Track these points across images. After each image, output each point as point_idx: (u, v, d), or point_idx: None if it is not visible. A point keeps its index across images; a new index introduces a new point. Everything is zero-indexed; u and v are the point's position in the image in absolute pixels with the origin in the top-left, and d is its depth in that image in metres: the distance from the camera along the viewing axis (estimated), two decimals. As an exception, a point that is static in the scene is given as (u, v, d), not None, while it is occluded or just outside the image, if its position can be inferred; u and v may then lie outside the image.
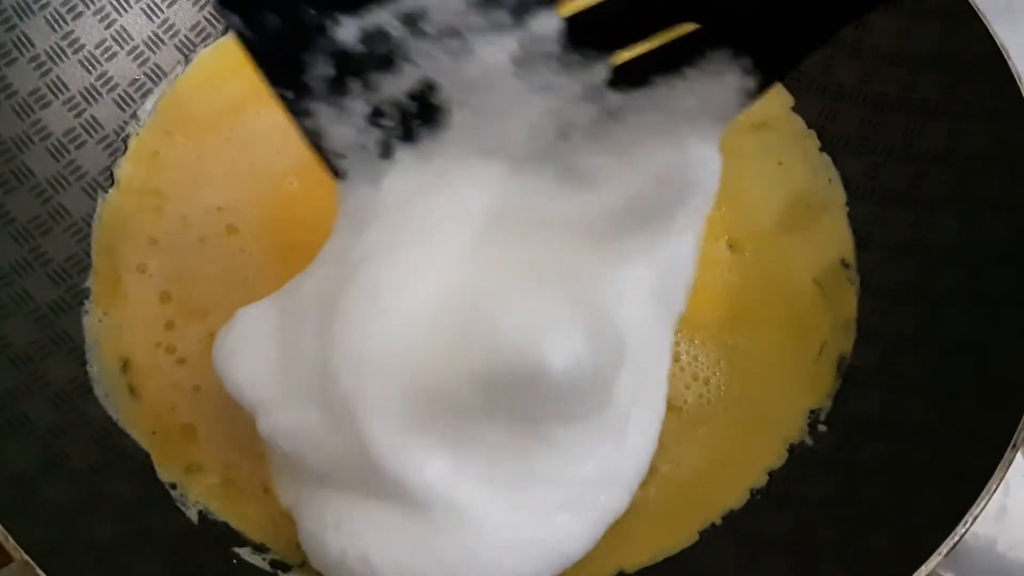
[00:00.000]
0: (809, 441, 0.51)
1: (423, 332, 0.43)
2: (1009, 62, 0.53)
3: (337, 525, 0.45)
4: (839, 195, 0.57)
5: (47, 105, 0.55)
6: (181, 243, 0.56)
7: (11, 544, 0.42)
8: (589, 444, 0.44)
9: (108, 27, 0.58)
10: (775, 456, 0.51)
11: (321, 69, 0.42)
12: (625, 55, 0.41)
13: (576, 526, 0.45)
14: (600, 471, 0.45)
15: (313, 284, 0.47)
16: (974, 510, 0.43)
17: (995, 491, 0.44)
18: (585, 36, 0.40)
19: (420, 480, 0.42)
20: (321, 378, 0.44)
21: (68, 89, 0.56)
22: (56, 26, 0.56)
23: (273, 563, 0.49)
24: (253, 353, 0.46)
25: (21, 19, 0.55)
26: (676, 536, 0.49)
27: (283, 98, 0.44)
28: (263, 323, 0.46)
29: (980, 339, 0.50)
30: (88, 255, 0.55)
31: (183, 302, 0.54)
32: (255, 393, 0.45)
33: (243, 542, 0.49)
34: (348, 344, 0.43)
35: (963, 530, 0.43)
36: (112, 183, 0.57)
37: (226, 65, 0.61)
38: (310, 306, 0.46)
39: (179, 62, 0.60)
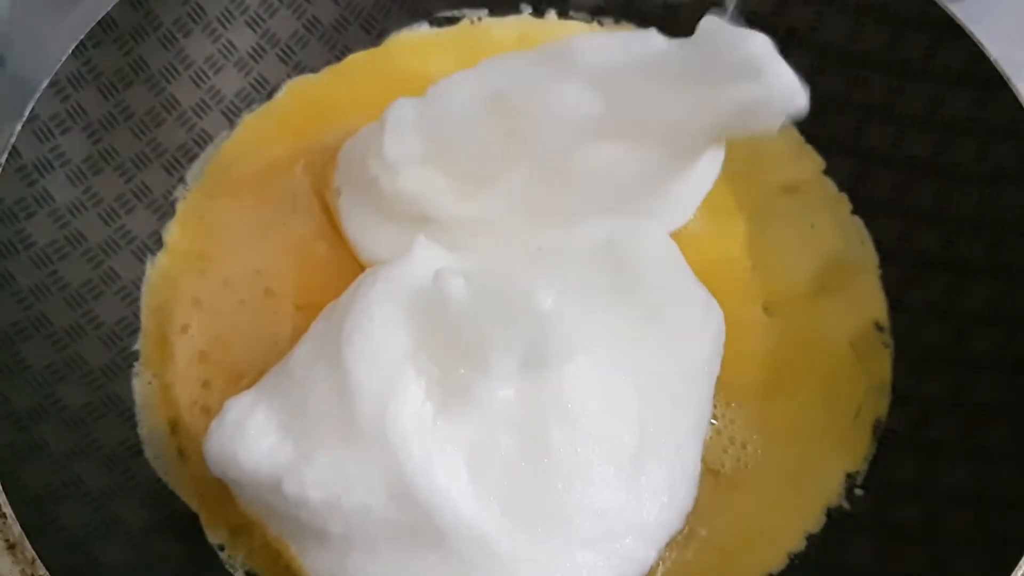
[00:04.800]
0: (846, 505, 0.51)
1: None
2: (1039, 128, 0.54)
3: None
4: (872, 258, 0.57)
5: (99, 171, 0.57)
6: (222, 305, 0.57)
7: (70, 610, 0.44)
8: (597, 473, 0.46)
9: (157, 95, 0.60)
10: (813, 520, 0.51)
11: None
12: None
13: (599, 567, 0.46)
14: (615, 508, 0.46)
15: (305, 350, 0.49)
16: (1014, 578, 0.44)
17: (1035, 560, 0.44)
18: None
19: (448, 500, 0.44)
20: (341, 404, 0.45)
21: (119, 155, 0.58)
22: (108, 95, 0.58)
23: (320, 626, 0.49)
24: (256, 431, 0.47)
25: (76, 89, 0.57)
26: (716, 600, 0.50)
27: None
28: (258, 404, 0.48)
29: (1015, 401, 0.50)
30: (137, 317, 0.56)
31: (220, 363, 0.55)
32: (273, 461, 0.46)
33: (290, 605, 0.50)
34: (363, 352, 0.46)
35: (1004, 599, 0.44)
36: (160, 246, 0.58)
37: (269, 129, 0.63)
38: (308, 363, 0.48)
39: (224, 127, 0.62)
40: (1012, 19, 0.72)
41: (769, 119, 0.55)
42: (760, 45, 0.54)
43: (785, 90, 0.55)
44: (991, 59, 0.56)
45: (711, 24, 0.54)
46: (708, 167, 0.59)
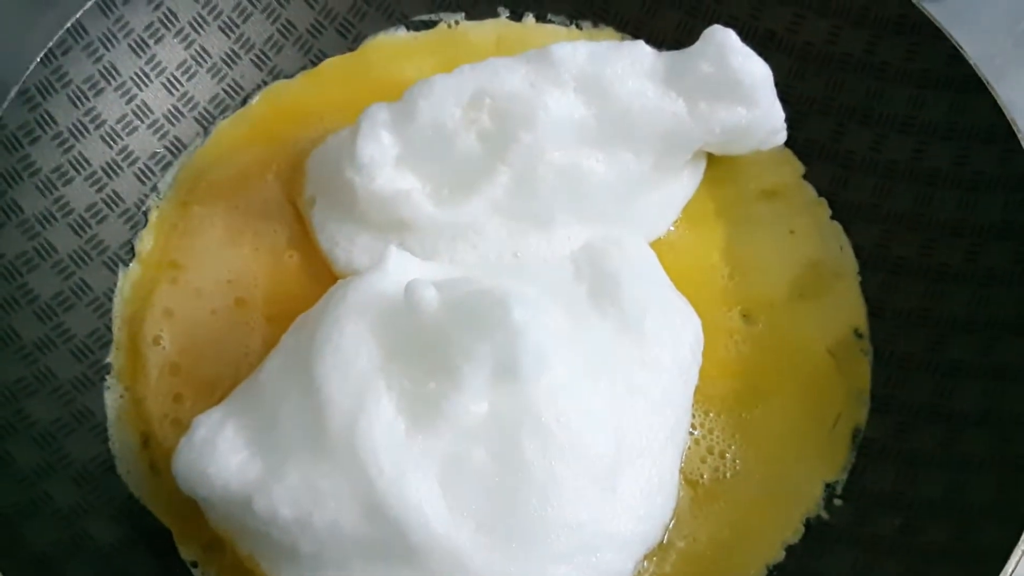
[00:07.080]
0: (825, 515, 0.51)
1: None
2: (1018, 133, 0.53)
3: None
4: (851, 264, 0.57)
5: (69, 181, 0.56)
6: (193, 316, 0.56)
7: (37, 631, 0.43)
8: (572, 486, 0.45)
9: (129, 102, 0.59)
10: (792, 530, 0.51)
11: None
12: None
13: None
14: (591, 521, 0.46)
15: (274, 364, 0.49)
16: (993, 591, 0.43)
17: (1013, 571, 0.44)
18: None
19: (420, 516, 0.44)
20: (311, 420, 0.45)
21: (90, 164, 0.57)
22: (78, 103, 0.57)
23: (293, 642, 0.49)
24: (225, 448, 0.46)
25: (44, 98, 0.56)
26: (694, 612, 0.49)
27: None
28: (227, 420, 0.47)
29: (993, 410, 0.50)
30: (109, 329, 0.56)
31: (191, 376, 0.54)
32: (243, 479, 0.45)
33: (263, 621, 0.49)
34: (333, 366, 0.45)
35: (983, 612, 0.43)
36: (133, 256, 0.58)
37: (244, 135, 0.62)
38: (278, 378, 0.48)
39: (198, 134, 0.61)
40: (990, 19, 0.72)
41: (746, 145, 0.56)
42: (763, 75, 0.54)
43: (772, 126, 0.56)
44: (970, 62, 0.55)
45: (719, 36, 0.54)
46: (688, 178, 0.59)
